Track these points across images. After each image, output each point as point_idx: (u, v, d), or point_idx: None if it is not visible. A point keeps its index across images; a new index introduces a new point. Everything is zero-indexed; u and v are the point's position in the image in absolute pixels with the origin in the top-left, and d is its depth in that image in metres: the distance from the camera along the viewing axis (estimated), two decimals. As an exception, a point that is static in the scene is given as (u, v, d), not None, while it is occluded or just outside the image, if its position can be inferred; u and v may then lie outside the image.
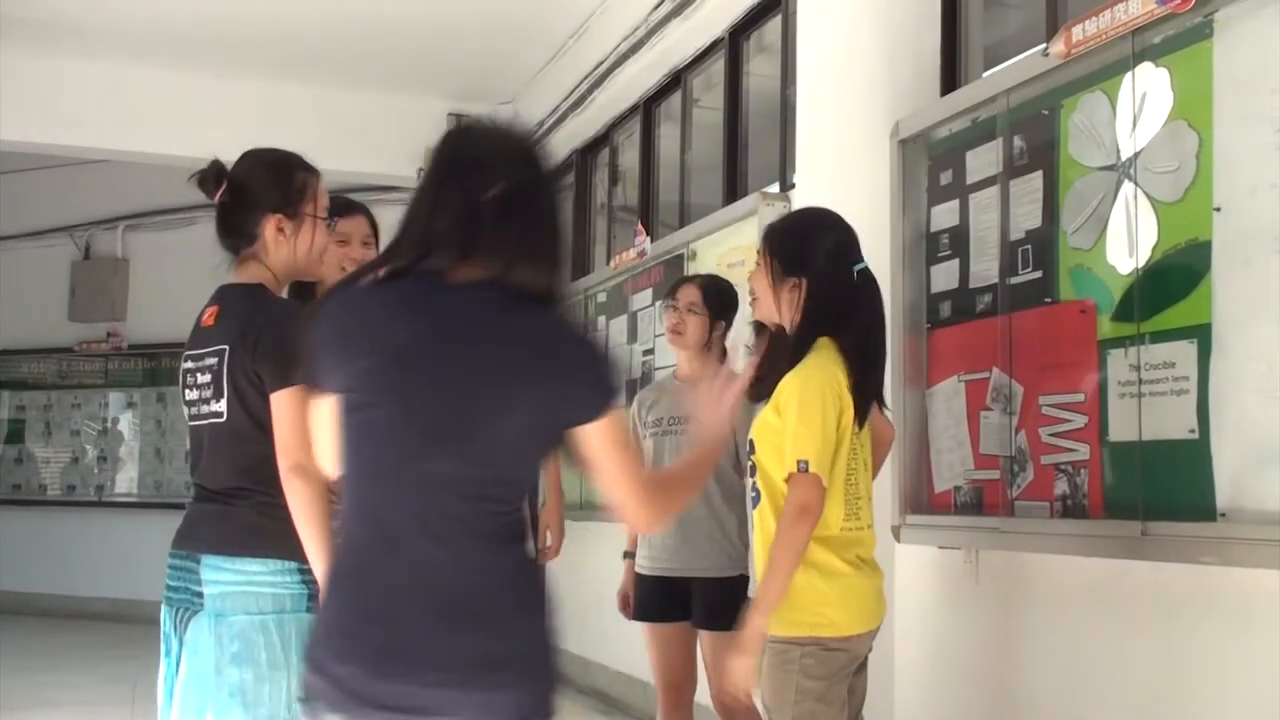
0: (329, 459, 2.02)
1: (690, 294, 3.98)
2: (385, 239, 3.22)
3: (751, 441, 2.84)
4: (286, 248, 2.63)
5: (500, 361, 1.88)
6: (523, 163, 1.98)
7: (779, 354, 3.02)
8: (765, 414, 2.80)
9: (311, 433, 2.09)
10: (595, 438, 1.93)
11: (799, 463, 2.69)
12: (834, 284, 2.83)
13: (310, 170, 2.70)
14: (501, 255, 1.91)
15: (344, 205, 3.20)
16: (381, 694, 1.82)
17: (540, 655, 1.89)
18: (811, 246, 2.86)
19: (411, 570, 1.85)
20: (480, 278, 1.91)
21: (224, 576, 2.55)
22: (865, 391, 2.82)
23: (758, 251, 3.00)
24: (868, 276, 2.89)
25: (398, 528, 1.86)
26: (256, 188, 2.66)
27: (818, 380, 2.74)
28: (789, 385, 2.75)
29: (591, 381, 1.95)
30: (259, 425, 2.51)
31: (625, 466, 1.97)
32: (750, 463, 2.85)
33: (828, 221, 2.97)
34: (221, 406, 2.60)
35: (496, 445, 1.87)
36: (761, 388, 2.91)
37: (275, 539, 2.41)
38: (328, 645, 1.88)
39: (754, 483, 2.83)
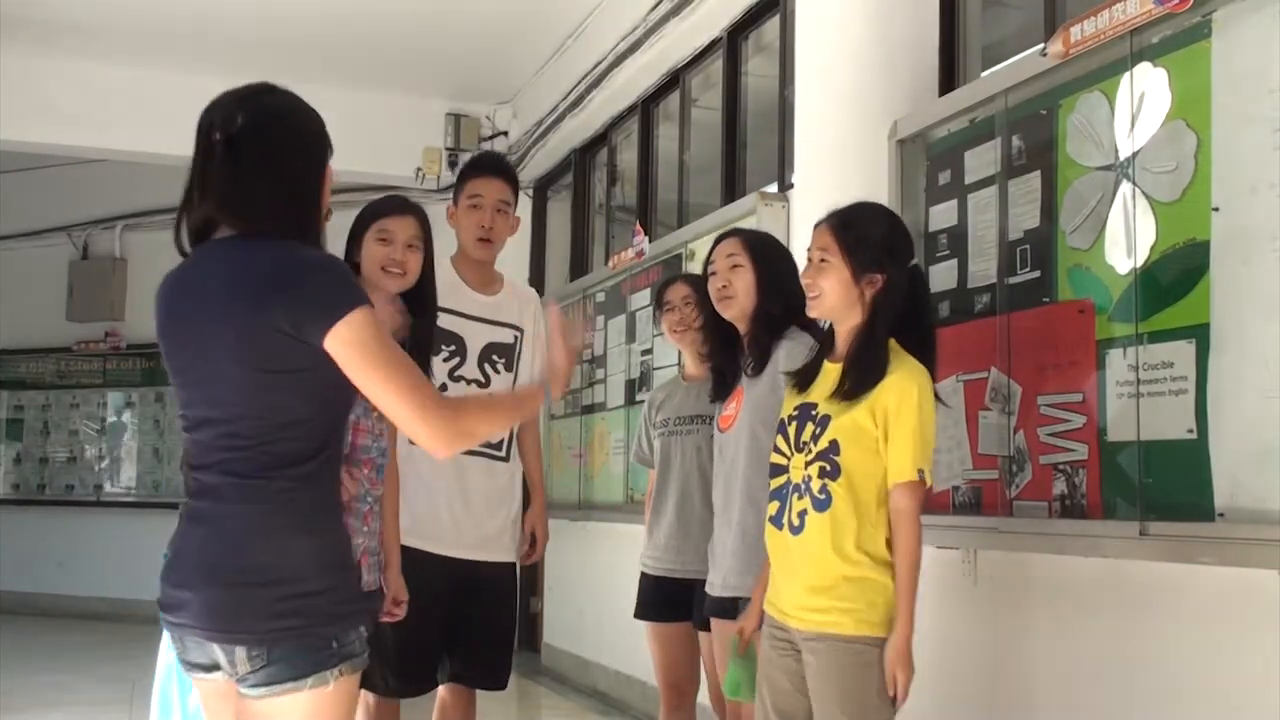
0: None
1: (682, 289, 4.01)
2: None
3: (835, 442, 2.71)
4: None
5: (217, 304, 2.02)
6: (238, 112, 2.07)
7: (775, 328, 3.06)
8: (856, 417, 2.69)
9: None
10: (340, 353, 1.97)
11: (920, 471, 2.66)
12: (904, 281, 2.78)
13: None
14: (231, 200, 2.05)
15: (395, 205, 3.18)
16: (166, 597, 2.08)
17: (287, 567, 2.00)
18: (888, 242, 2.80)
19: (195, 498, 2.08)
20: (234, 229, 2.07)
21: None
22: None
23: (811, 248, 2.86)
24: (919, 272, 2.84)
25: (192, 467, 2.10)
26: None
27: (927, 388, 2.70)
28: (900, 391, 2.67)
29: (300, 303, 1.97)
30: None
31: (390, 375, 1.98)
32: (824, 464, 2.72)
33: (886, 213, 2.92)
34: None
35: (225, 384, 2.02)
36: (803, 378, 2.87)
37: None
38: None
39: (824, 485, 2.71)
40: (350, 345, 1.97)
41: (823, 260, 2.79)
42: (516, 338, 3.69)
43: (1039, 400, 3.19)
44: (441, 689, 3.58)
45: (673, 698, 3.94)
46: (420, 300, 3.11)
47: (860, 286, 2.76)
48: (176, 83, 7.86)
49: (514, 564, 3.67)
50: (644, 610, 4.00)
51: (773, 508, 2.84)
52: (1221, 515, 2.61)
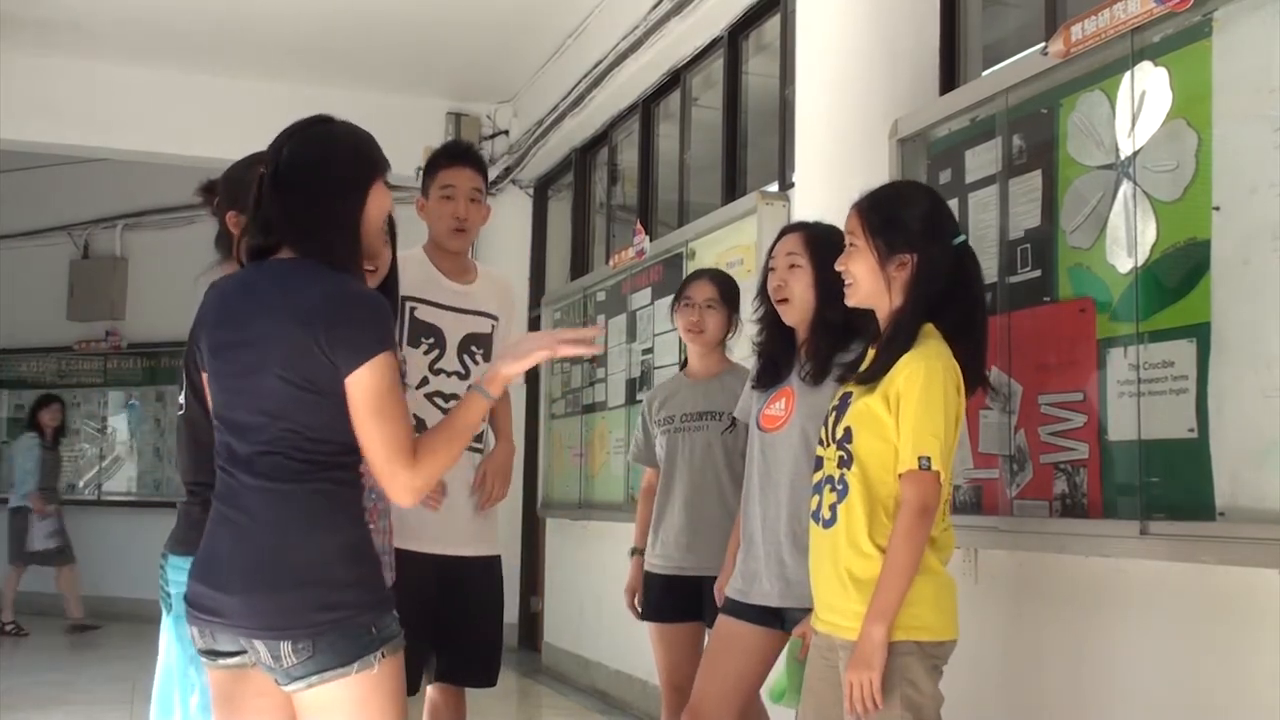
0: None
1: (707, 290, 3.94)
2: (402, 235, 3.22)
3: (849, 429, 2.60)
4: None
5: (261, 326, 2.19)
6: (285, 146, 2.25)
7: (835, 337, 2.97)
8: (870, 402, 2.56)
9: None
10: (354, 392, 2.16)
11: (920, 459, 2.47)
12: (938, 260, 2.62)
13: None
14: (283, 227, 2.23)
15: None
16: (199, 599, 2.21)
17: (318, 566, 2.16)
18: (923, 220, 2.65)
19: (225, 501, 2.22)
20: (287, 253, 2.23)
21: (181, 576, 2.57)
22: (972, 383, 2.64)
23: (841, 233, 2.75)
24: (968, 251, 2.71)
25: (224, 469, 2.24)
26: (219, 190, 2.77)
27: (941, 370, 2.52)
28: (909, 372, 2.52)
29: (339, 335, 2.15)
30: (207, 414, 2.54)
31: (382, 425, 2.17)
32: (841, 453, 2.61)
33: (923, 192, 2.83)
34: (182, 399, 2.65)
35: (269, 397, 2.17)
36: (850, 369, 2.78)
37: None
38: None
39: (842, 474, 2.59)
40: (364, 388, 2.15)
41: (852, 244, 2.67)
42: (494, 326, 3.66)
43: (1039, 399, 3.19)
44: (430, 689, 3.53)
45: (675, 699, 3.90)
46: (385, 291, 3.10)
47: (888, 271, 2.62)
48: (176, 82, 7.89)
49: (498, 556, 3.65)
50: (652, 611, 3.95)
51: (813, 502, 2.72)
52: (1222, 514, 2.61)
